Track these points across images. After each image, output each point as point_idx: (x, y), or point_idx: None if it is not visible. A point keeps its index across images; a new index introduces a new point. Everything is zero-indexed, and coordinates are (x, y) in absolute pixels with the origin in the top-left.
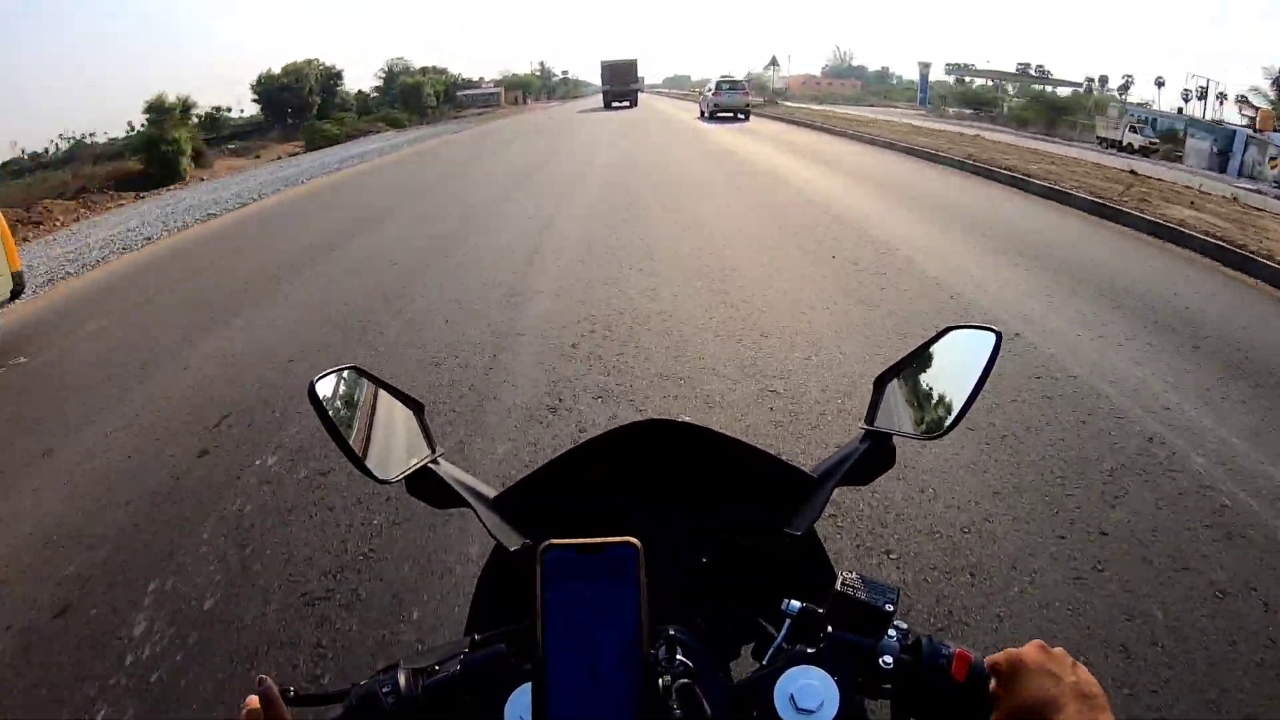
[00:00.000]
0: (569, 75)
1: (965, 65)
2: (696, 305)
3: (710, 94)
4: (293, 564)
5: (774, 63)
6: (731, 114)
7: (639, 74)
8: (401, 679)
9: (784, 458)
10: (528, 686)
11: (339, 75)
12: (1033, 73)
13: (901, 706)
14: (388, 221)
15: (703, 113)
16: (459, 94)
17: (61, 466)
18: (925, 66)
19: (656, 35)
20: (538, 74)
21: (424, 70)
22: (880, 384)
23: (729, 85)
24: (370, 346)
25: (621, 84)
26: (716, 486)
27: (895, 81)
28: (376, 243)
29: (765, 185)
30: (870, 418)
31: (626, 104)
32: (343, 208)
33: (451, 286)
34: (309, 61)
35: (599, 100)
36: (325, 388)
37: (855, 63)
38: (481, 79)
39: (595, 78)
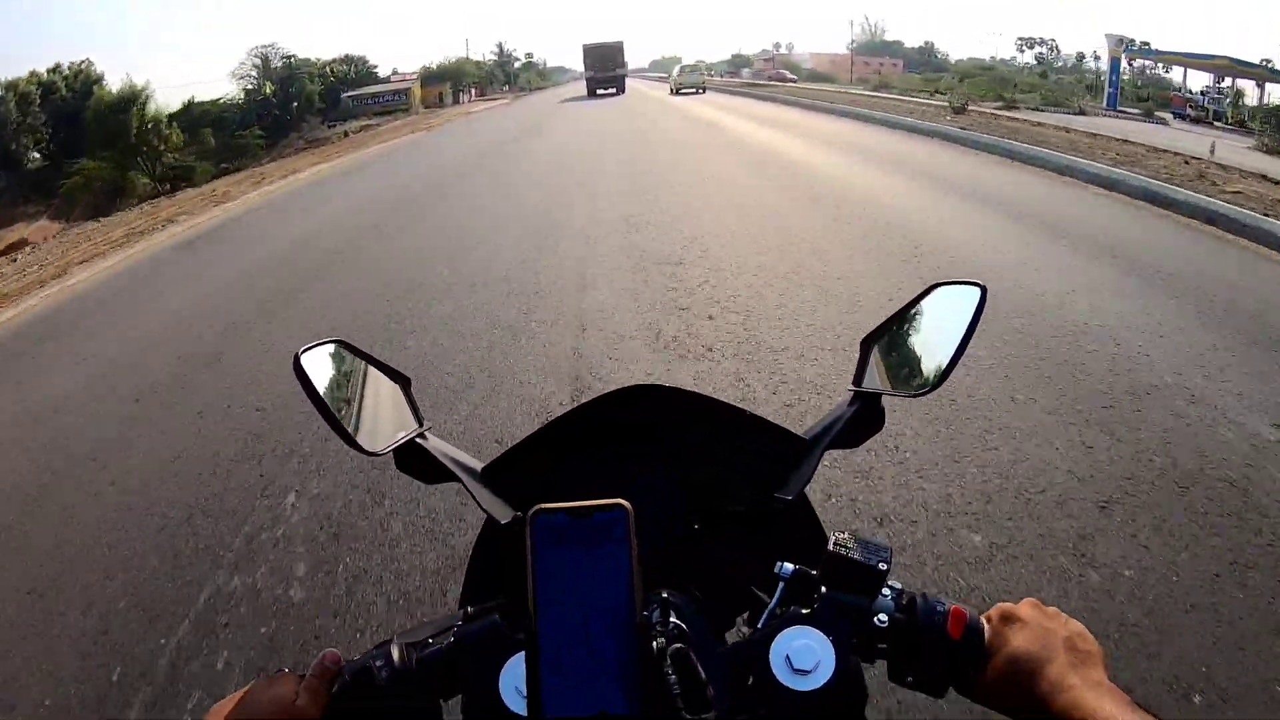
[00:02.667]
0: (535, 60)
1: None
2: None
3: (676, 76)
4: None
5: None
6: (693, 89)
7: (625, 58)
8: (395, 653)
9: (775, 421)
10: (521, 655)
11: (96, 83)
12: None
13: (898, 664)
14: None
15: (672, 90)
16: (346, 95)
17: None
18: (1119, 44)
19: (640, 13)
20: (495, 58)
21: (290, 62)
22: (866, 345)
23: (690, 69)
24: None
25: (606, 69)
26: (707, 451)
27: (939, 59)
28: None
29: None
30: (858, 379)
31: (613, 91)
32: None
33: None
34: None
35: (569, 92)
36: (310, 360)
37: (888, 37)
38: (407, 74)
39: (571, 62)
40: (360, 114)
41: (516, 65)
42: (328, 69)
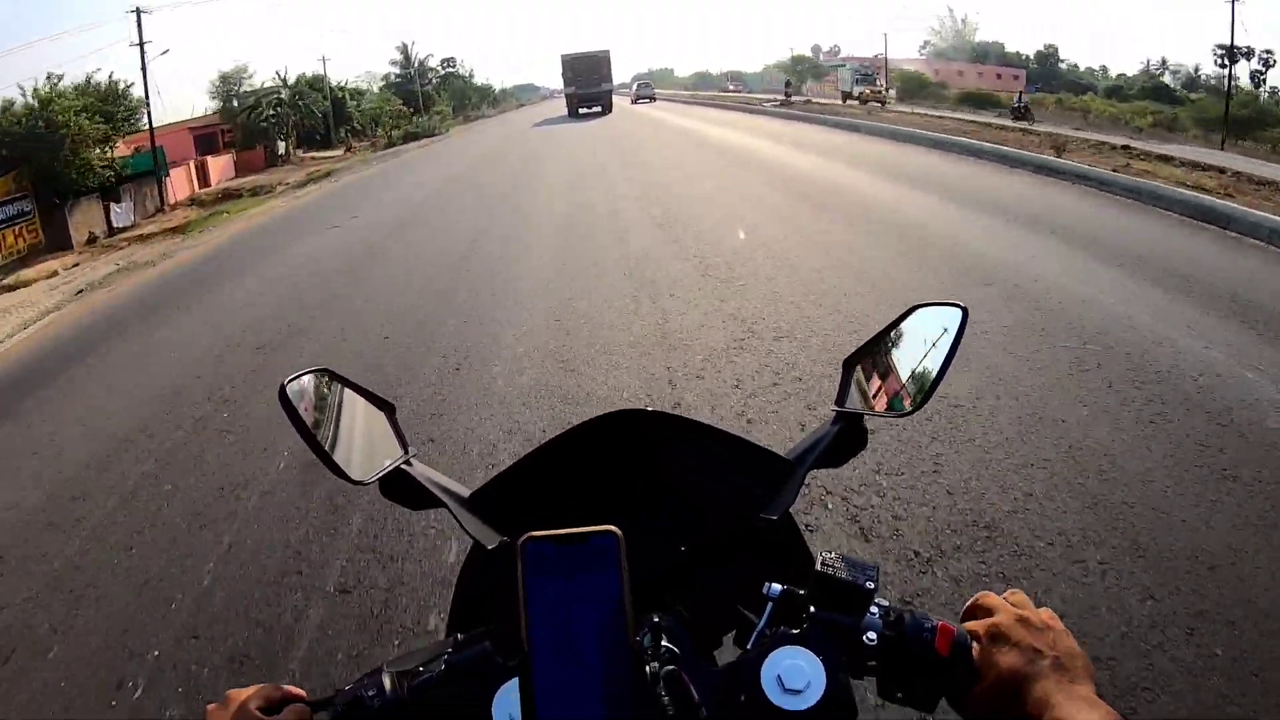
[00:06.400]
0: (458, 70)
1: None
2: None
3: (635, 90)
4: None
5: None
6: (648, 99)
7: (611, 70)
8: (386, 682)
9: (759, 443)
10: (514, 682)
11: None
12: None
13: (887, 682)
14: None
15: (631, 99)
16: None
17: None
18: None
19: (624, 25)
20: (398, 72)
21: None
22: (849, 366)
23: (643, 84)
24: None
25: (590, 84)
26: (691, 474)
27: (1065, 69)
28: None
29: None
30: (841, 399)
31: (598, 109)
32: None
33: None
34: None
35: (495, 135)
36: (296, 390)
37: (979, 38)
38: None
39: (543, 78)
40: None
41: (432, 79)
42: None
